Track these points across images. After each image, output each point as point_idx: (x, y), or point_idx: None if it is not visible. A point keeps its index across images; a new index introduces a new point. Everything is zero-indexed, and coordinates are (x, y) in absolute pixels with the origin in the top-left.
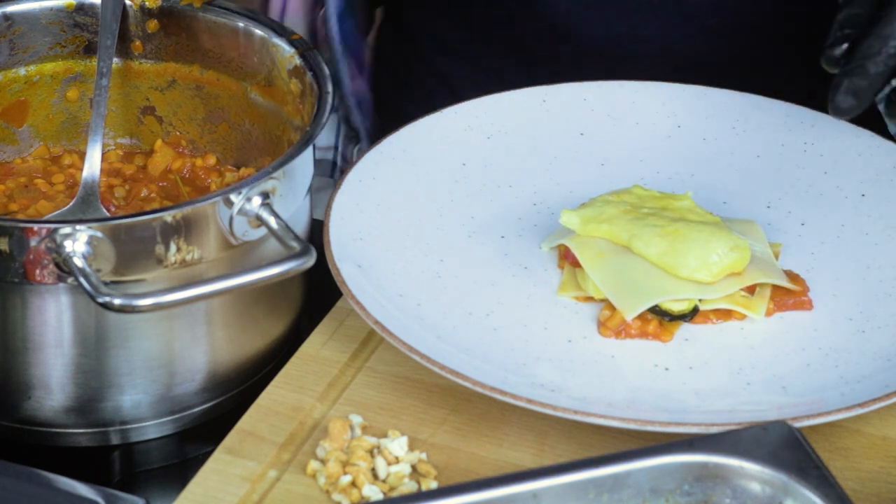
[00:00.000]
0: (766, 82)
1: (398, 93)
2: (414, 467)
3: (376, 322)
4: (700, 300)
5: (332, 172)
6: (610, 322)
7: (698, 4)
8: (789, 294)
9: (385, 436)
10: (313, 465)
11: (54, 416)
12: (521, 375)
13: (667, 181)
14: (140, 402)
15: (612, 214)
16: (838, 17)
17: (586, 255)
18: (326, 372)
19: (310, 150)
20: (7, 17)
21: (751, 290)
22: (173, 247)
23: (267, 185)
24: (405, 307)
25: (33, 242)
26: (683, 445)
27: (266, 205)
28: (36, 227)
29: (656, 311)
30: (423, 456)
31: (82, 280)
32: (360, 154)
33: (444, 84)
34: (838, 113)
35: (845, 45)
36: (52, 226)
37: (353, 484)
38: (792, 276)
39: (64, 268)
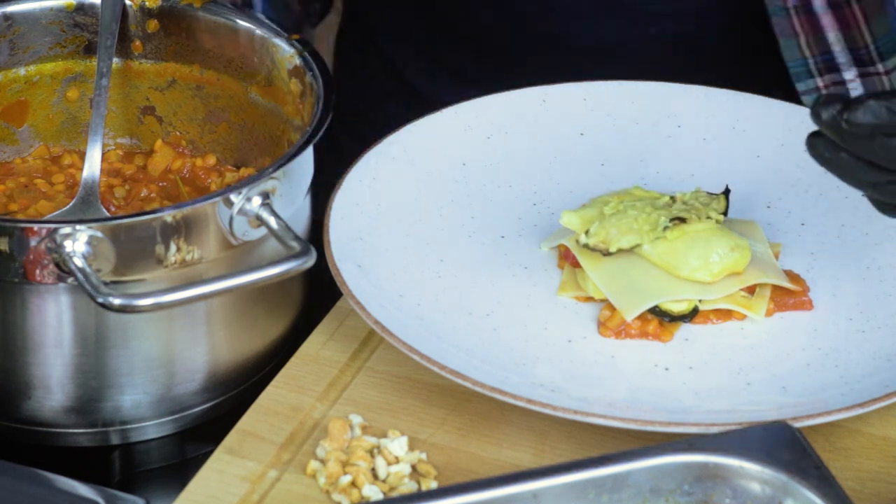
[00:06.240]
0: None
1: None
2: (414, 467)
3: (376, 322)
4: (700, 300)
5: None
6: (610, 322)
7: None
8: (789, 294)
9: (385, 436)
10: (313, 465)
11: (54, 416)
12: (521, 375)
13: (667, 181)
14: (140, 402)
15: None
16: None
17: (586, 255)
18: (326, 372)
19: (310, 150)
20: (7, 17)
21: (751, 290)
22: (173, 247)
23: (267, 185)
24: (405, 307)
25: (33, 242)
26: (683, 445)
27: (266, 205)
28: (36, 227)
29: (656, 311)
30: (423, 456)
31: (82, 280)
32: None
33: (396, 76)
34: None
35: None
36: (52, 226)
37: (353, 484)
38: (792, 276)
39: (64, 268)
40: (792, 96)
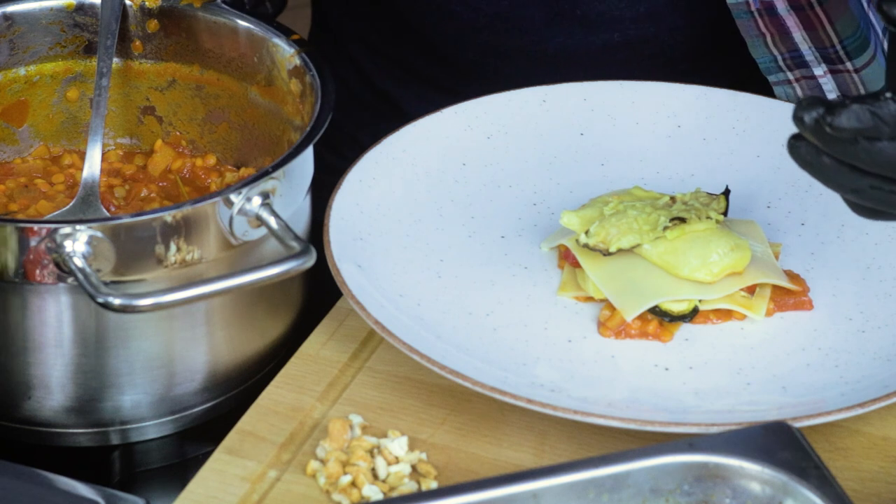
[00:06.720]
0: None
1: None
2: (414, 467)
3: (376, 322)
4: (700, 300)
5: None
6: (610, 322)
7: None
8: (789, 294)
9: (385, 436)
10: (313, 465)
11: (54, 416)
12: (521, 375)
13: (667, 181)
14: (140, 402)
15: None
16: None
17: (586, 255)
18: (326, 372)
19: (310, 150)
20: (7, 17)
21: (751, 290)
22: (173, 247)
23: (267, 185)
24: (405, 307)
25: (33, 242)
26: (683, 445)
27: (266, 205)
28: (36, 227)
29: (656, 311)
30: (423, 456)
31: (82, 280)
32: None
33: (366, 83)
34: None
35: None
36: (52, 226)
37: (353, 484)
38: (792, 276)
39: (64, 268)
40: (764, 91)
